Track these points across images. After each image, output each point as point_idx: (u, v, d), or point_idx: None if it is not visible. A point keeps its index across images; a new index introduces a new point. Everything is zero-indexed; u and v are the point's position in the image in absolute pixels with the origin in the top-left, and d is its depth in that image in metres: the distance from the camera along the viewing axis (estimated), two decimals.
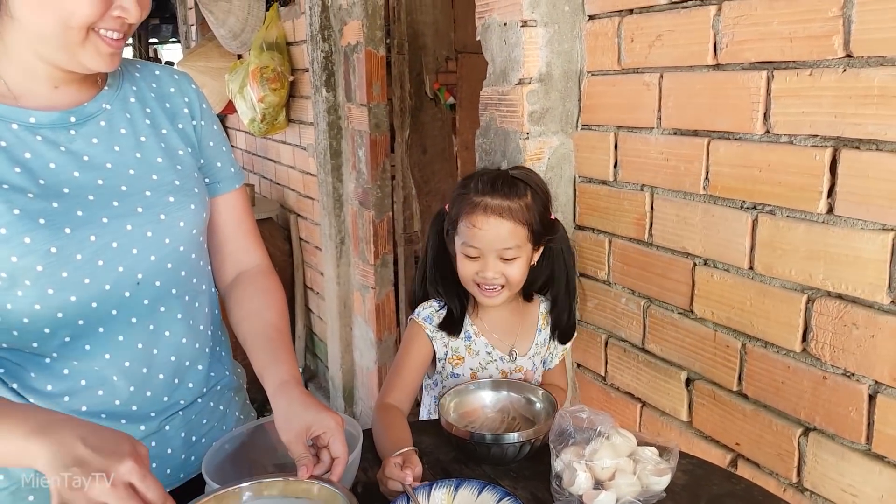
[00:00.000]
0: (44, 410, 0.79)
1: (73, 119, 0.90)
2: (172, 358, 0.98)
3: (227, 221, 1.09)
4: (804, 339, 1.10)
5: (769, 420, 1.17)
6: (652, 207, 1.34)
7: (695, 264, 1.27)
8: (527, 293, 1.38)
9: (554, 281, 1.36)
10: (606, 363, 1.52)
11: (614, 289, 1.47)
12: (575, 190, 1.54)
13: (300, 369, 3.33)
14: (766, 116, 1.10)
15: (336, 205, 2.72)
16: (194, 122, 1.04)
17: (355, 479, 1.02)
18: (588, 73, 1.45)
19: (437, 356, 1.35)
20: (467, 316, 1.35)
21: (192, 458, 1.02)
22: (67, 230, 0.85)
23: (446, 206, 1.32)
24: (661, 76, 1.27)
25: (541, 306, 1.39)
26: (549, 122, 1.48)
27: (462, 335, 1.34)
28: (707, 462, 1.13)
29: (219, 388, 1.07)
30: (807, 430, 1.12)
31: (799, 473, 1.14)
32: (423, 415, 1.46)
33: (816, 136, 1.04)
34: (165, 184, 0.95)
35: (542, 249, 1.31)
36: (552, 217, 1.31)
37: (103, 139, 0.92)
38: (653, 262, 1.36)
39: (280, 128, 3.07)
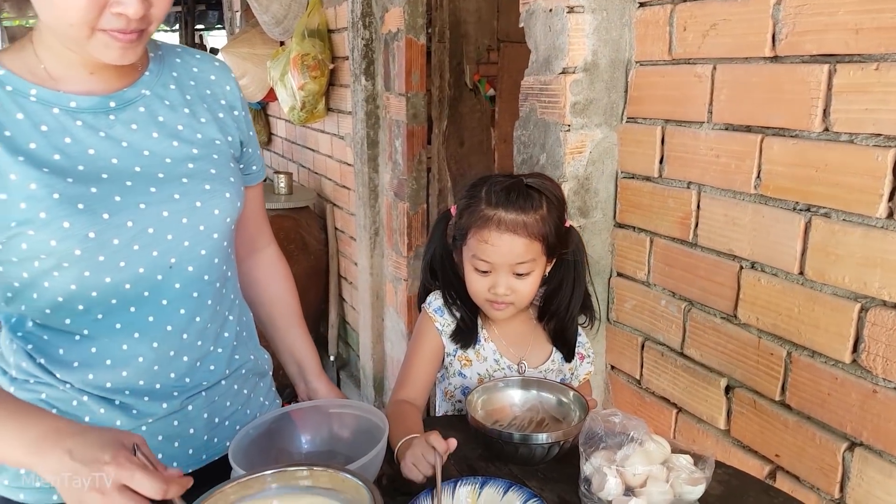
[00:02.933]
0: (35, 421, 0.77)
1: (112, 104, 0.90)
2: (199, 342, 0.98)
3: (251, 209, 1.11)
4: (855, 349, 1.04)
5: (812, 432, 1.12)
6: (698, 206, 1.29)
7: (741, 267, 1.22)
8: (540, 314, 1.29)
9: (560, 294, 1.25)
10: (642, 366, 1.47)
11: (654, 290, 1.42)
12: (616, 186, 1.49)
13: (332, 358, 3.37)
14: (825, 113, 1.05)
15: (371, 195, 2.71)
16: (236, 113, 1.05)
17: (380, 471, 1.00)
18: (636, 62, 1.40)
19: (446, 350, 1.31)
20: (478, 319, 1.30)
21: (216, 439, 1.02)
22: (105, 216, 0.85)
23: (452, 210, 1.24)
24: (715, 68, 1.22)
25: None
26: (593, 113, 1.43)
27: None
28: (744, 473, 1.08)
29: (243, 371, 1.06)
30: (852, 445, 1.06)
31: (842, 489, 1.08)
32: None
33: (880, 135, 0.98)
34: (202, 171, 0.95)
35: (554, 259, 1.23)
36: (567, 225, 1.23)
37: (142, 125, 0.92)
38: (696, 264, 1.30)
39: (319, 116, 3.07)
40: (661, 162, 1.36)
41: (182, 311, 0.94)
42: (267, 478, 0.83)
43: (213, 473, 0.92)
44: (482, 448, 1.10)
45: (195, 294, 0.95)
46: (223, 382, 1.02)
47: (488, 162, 3.15)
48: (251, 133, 1.09)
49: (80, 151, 0.86)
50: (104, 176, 0.87)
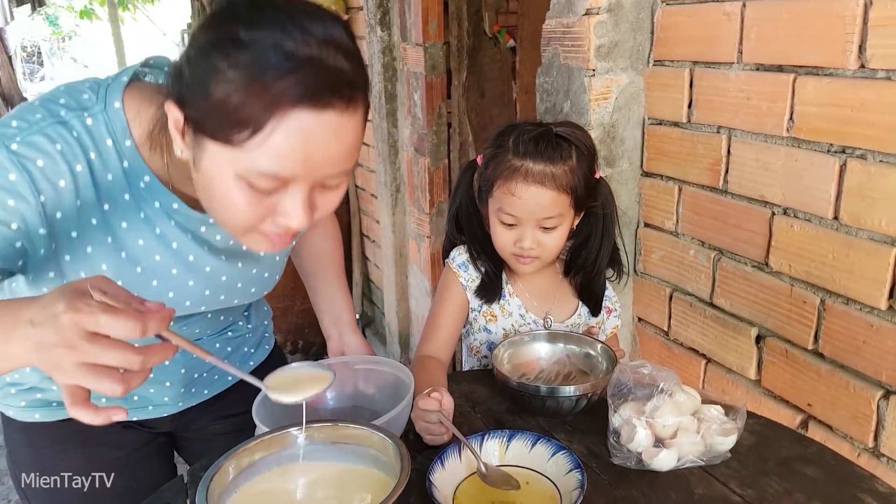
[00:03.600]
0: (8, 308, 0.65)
1: (211, 221, 0.91)
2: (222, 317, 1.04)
3: None
4: (891, 295, 1.01)
5: (846, 381, 1.10)
6: (729, 151, 1.24)
7: (773, 213, 1.18)
8: (566, 268, 1.27)
9: (587, 247, 1.22)
10: (670, 318, 1.45)
11: (682, 240, 1.38)
12: (644, 133, 1.44)
13: (357, 316, 3.41)
14: (861, 49, 0.99)
15: (391, 151, 2.68)
16: None
17: (406, 426, 1.00)
18: (662, 1, 1.33)
19: (470, 306, 1.30)
20: (503, 273, 1.29)
21: (193, 390, 1.09)
22: (147, 279, 0.89)
23: (478, 159, 1.20)
24: (744, 5, 1.15)
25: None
26: (618, 57, 1.38)
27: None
28: (776, 423, 1.07)
29: (228, 334, 1.13)
30: (888, 393, 1.04)
31: (876, 438, 1.07)
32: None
33: None
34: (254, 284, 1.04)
35: (582, 213, 1.19)
36: (597, 177, 1.19)
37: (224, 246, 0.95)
38: (727, 212, 1.27)
39: None
40: (689, 106, 1.31)
41: (221, 318, 1.05)
42: (292, 434, 0.84)
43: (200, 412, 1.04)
44: (509, 402, 1.10)
45: (235, 301, 1.03)
46: (203, 339, 1.07)
47: (510, 114, 3.08)
48: None
49: (156, 238, 0.88)
50: (171, 270, 0.90)
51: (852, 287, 1.07)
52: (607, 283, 1.28)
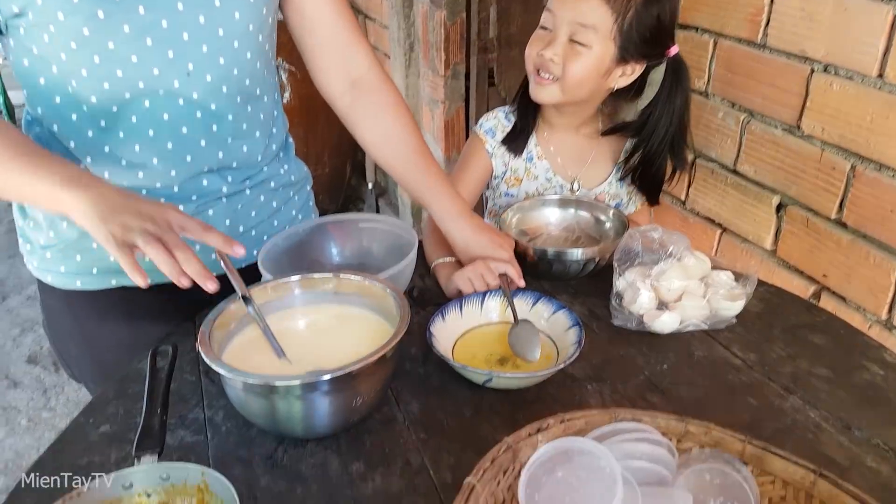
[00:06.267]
0: (76, 167, 0.76)
1: None
2: (220, 154, 0.94)
3: (321, 18, 0.96)
4: None
5: (867, 251, 1.06)
6: (772, 0, 1.12)
7: (812, 70, 1.08)
8: (609, 128, 1.21)
9: (656, 125, 1.13)
10: (689, 185, 1.39)
11: (712, 101, 1.30)
12: None
13: (371, 185, 3.35)
14: None
15: (405, 4, 2.51)
16: None
17: (410, 283, 1.00)
18: None
19: (493, 174, 1.26)
20: (533, 135, 1.23)
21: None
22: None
23: None
24: None
25: (627, 142, 1.23)
26: None
27: (524, 155, 1.23)
28: (786, 291, 1.04)
29: (271, 185, 1.04)
30: None
31: (890, 310, 1.04)
32: None
33: None
34: None
35: (634, 72, 1.11)
36: (672, 47, 1.09)
37: None
38: (762, 69, 1.17)
39: None
40: None
41: (198, 115, 0.89)
42: (293, 283, 0.84)
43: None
44: None
45: (213, 106, 0.90)
46: (247, 192, 1.00)
47: None
48: None
49: None
50: None
51: (888, 153, 1.00)
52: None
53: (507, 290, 0.92)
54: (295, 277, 0.84)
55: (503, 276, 0.94)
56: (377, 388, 0.73)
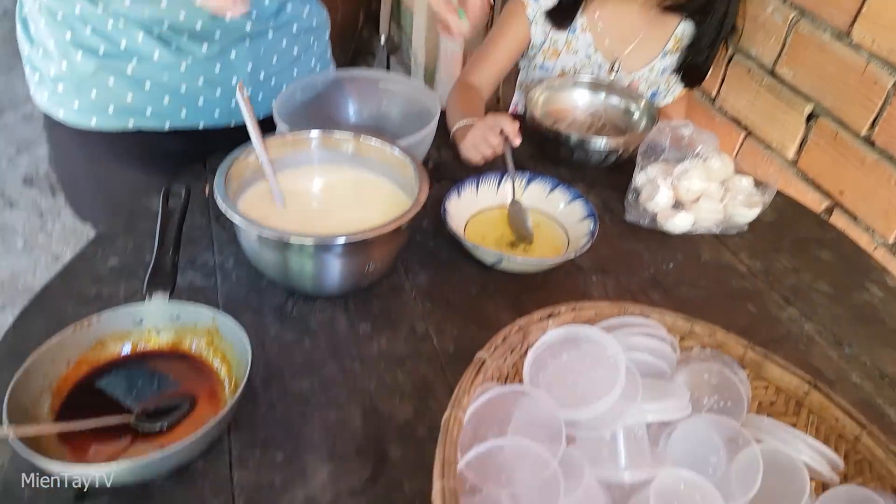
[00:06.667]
0: None
1: None
2: None
3: None
4: None
5: (890, 173, 1.04)
6: None
7: None
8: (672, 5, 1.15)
9: (713, 8, 1.13)
10: (722, 82, 1.34)
11: None
12: None
13: (383, 39, 3.17)
14: None
15: None
16: None
17: (427, 154, 0.98)
18: None
19: (531, 43, 1.19)
20: (581, 7, 1.15)
21: (259, 96, 0.98)
22: None
23: None
24: None
25: (678, 27, 1.16)
26: None
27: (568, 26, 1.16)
28: (800, 204, 1.04)
29: (294, 28, 0.98)
30: None
31: None
32: None
33: None
34: None
35: None
36: None
37: None
38: None
39: None
40: None
41: None
42: (311, 138, 0.81)
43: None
44: (535, 148, 1.06)
45: None
46: (270, 34, 0.95)
47: None
48: None
49: None
50: None
51: None
52: None
53: (510, 156, 0.92)
54: (315, 133, 0.82)
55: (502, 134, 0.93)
56: (390, 257, 0.74)
